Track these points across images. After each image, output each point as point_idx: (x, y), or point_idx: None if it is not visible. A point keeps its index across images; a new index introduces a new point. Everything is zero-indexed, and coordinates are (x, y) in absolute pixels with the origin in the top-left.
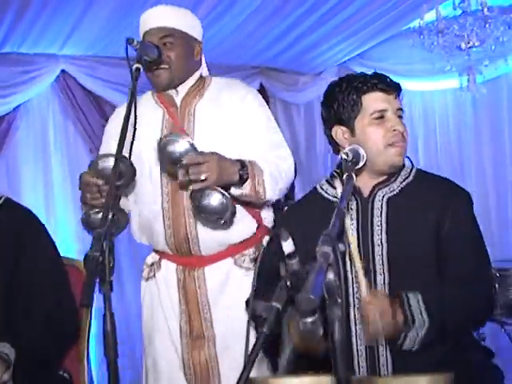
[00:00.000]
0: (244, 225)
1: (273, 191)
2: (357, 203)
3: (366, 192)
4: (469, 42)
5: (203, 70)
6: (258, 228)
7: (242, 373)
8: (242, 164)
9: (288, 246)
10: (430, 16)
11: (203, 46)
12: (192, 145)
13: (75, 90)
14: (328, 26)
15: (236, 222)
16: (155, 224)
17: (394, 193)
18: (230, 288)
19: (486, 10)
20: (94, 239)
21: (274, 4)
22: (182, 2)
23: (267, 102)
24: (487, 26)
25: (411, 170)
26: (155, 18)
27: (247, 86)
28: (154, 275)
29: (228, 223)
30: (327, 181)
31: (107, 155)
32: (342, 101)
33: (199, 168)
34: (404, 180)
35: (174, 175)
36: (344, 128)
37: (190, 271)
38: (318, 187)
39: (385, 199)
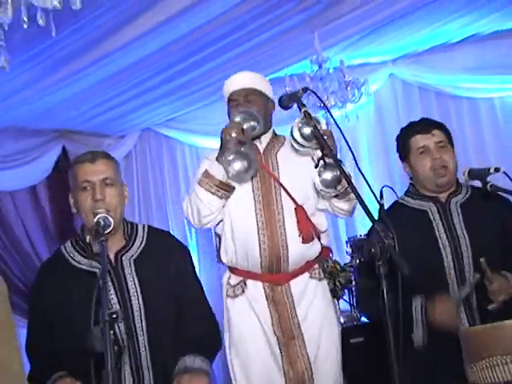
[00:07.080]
0: (317, 244)
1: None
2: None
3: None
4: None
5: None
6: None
7: None
8: None
9: None
10: None
11: None
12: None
13: None
14: (142, 99)
15: (313, 242)
16: (252, 247)
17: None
18: (307, 295)
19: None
20: None
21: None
22: None
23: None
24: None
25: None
26: (238, 82)
27: None
28: (243, 292)
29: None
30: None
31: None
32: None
33: (331, 140)
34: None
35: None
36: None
37: (277, 286)
38: (399, 200)
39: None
